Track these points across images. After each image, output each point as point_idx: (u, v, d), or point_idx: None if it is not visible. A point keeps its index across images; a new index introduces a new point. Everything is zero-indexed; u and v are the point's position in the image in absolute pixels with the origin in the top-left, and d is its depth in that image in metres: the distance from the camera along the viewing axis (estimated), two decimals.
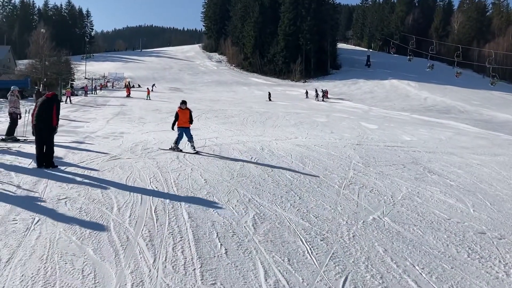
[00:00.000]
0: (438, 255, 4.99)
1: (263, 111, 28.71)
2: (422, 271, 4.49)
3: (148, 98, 40.35)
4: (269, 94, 48.12)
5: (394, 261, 4.71)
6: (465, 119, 33.85)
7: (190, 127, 11.60)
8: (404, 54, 66.04)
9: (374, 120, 27.24)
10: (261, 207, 6.54)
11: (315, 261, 4.62)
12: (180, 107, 11.50)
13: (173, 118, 11.79)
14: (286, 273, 4.26)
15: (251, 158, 10.71)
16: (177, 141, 11.30)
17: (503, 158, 13.08)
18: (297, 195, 7.32)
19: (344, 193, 7.71)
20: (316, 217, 6.16)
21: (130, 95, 43.10)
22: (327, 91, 53.45)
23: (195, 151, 11.09)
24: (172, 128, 11.52)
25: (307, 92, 54.20)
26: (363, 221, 6.11)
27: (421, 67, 57.97)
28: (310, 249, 4.95)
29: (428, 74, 64.42)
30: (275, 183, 8.13)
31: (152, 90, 51.04)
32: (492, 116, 37.99)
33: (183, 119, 11.41)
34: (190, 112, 11.56)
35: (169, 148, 11.31)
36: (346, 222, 6.04)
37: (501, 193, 8.40)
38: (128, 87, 50.74)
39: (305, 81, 75.37)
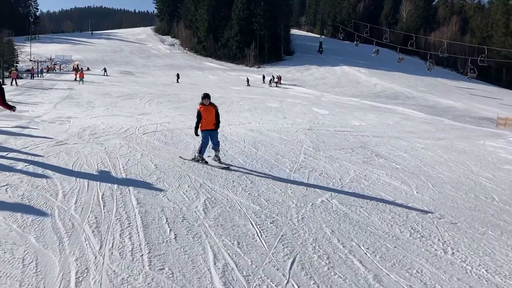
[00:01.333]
0: (382, 235, 5.19)
1: (217, 96, 28.48)
2: (367, 251, 4.65)
3: (81, 81, 37.27)
4: (177, 75, 48.68)
5: (340, 242, 4.85)
6: (411, 105, 35.16)
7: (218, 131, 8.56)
8: (354, 41, 67.52)
9: (325, 105, 27.74)
10: (213, 191, 6.52)
11: (264, 243, 4.68)
12: (202, 104, 8.27)
13: (194, 120, 8.54)
14: (235, 256, 4.29)
15: None
16: (201, 150, 8.35)
17: (445, 142, 13.73)
18: (249, 179, 7.35)
19: (295, 176, 7.83)
20: (266, 201, 6.22)
21: (84, 78, 41.16)
22: (280, 77, 53.76)
23: (223, 165, 8.25)
24: (196, 133, 8.40)
25: (264, 77, 54.37)
26: (312, 204, 6.24)
27: (370, 54, 59.49)
28: (260, 232, 5.00)
29: (377, 61, 66.25)
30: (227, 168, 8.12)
31: (104, 75, 49.30)
32: (437, 102, 39.68)
33: (208, 119, 8.24)
34: (216, 109, 8.38)
35: (192, 159, 8.49)
36: (296, 205, 6.14)
37: (443, 175, 8.83)
38: (77, 70, 48.71)
39: (259, 67, 75.38)
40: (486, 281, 4.14)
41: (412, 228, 5.49)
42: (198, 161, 8.30)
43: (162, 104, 21.97)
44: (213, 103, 8.37)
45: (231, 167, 8.13)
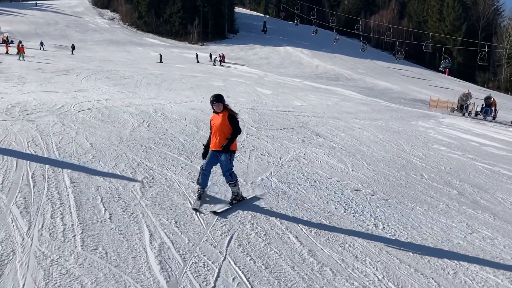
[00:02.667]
0: (318, 211, 5.35)
1: (158, 73, 27.80)
2: (303, 227, 4.78)
3: (22, 57, 31.27)
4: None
5: (278, 219, 4.95)
6: (351, 86, 36.17)
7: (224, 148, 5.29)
8: (301, 23, 67.89)
9: (268, 85, 27.89)
10: (151, 171, 6.40)
11: (202, 222, 4.67)
12: (214, 111, 5.40)
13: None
14: (172, 235, 4.26)
15: (143, 121, 10.35)
16: (198, 179, 5.43)
17: (381, 123, 14.30)
18: (189, 159, 7.28)
19: (236, 155, 7.83)
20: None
21: (9, 52, 38.62)
22: (223, 56, 53.26)
23: (234, 201, 5.35)
24: (204, 157, 5.46)
25: (197, 56, 53.09)
26: (252, 182, 6.30)
27: (310, 35, 60.42)
28: (199, 211, 4.98)
29: (319, 42, 67.26)
30: (166, 147, 7.99)
31: (41, 49, 46.20)
32: (375, 84, 41.07)
33: (216, 134, 5.32)
34: (232, 116, 5.34)
35: (193, 207, 5.12)
36: None
37: (377, 154, 9.20)
38: (7, 42, 45.51)
39: (203, 44, 74.15)
40: (412, 253, 4.39)
41: (346, 205, 5.71)
42: (197, 210, 5.00)
43: (100, 80, 21.09)
44: (230, 107, 5.41)
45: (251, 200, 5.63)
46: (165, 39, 78.11)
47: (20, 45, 35.32)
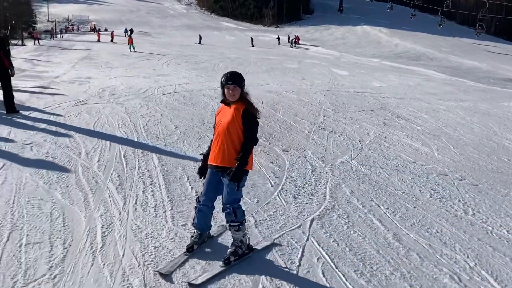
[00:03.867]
0: (402, 195, 5.18)
1: (234, 57, 28.23)
2: (386, 211, 4.66)
3: (132, 48, 29.77)
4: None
5: (360, 202, 4.87)
6: (433, 66, 34.27)
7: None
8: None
9: (345, 66, 27.26)
10: None
11: (283, 201, 4.73)
12: (224, 99, 3.53)
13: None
14: (255, 213, 4.36)
15: None
16: (194, 220, 3.66)
17: (468, 104, 13.44)
18: (267, 140, 7.36)
19: (314, 138, 7.81)
20: (285, 162, 6.24)
21: (100, 40, 41.15)
22: (298, 37, 52.76)
23: (231, 258, 3.42)
24: (201, 173, 3.70)
25: (279, 38, 53.43)
26: (331, 165, 6.24)
27: (400, 14, 57.77)
28: (280, 191, 5.05)
29: (397, 20, 64.19)
30: None
31: (125, 36, 46.76)
32: (460, 63, 38.57)
33: (221, 140, 3.43)
34: (250, 113, 3.42)
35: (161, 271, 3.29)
36: (314, 165, 6.15)
37: (464, 137, 8.69)
38: (99, 31, 48.56)
39: (278, 27, 73.95)
40: (507, 241, 4.13)
41: (432, 189, 5.47)
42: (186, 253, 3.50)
43: (180, 65, 21.85)
44: (250, 99, 3.54)
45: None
46: (240, 23, 78.92)
47: (129, 36, 33.22)
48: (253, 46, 45.05)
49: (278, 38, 53.13)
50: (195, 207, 3.61)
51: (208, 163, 3.49)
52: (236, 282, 3.16)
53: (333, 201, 4.85)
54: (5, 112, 8.31)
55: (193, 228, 3.65)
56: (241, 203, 3.46)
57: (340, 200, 4.90)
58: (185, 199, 4.64)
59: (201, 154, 3.71)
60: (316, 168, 6.01)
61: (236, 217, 3.36)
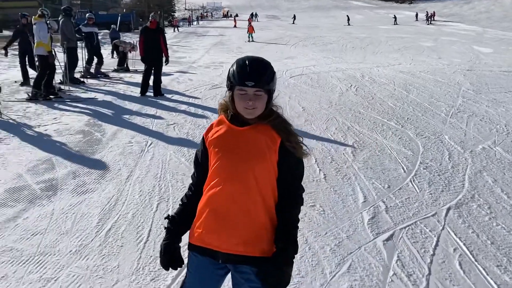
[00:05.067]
0: None
1: (363, 37, 27.33)
2: None
3: (251, 37, 27.59)
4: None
5: (504, 192, 4.43)
6: None
7: None
8: None
9: (489, 43, 24.62)
10: (361, 135, 6.44)
11: (416, 188, 4.52)
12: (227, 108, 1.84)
13: None
14: (386, 199, 4.23)
15: (351, 86, 10.41)
16: None
17: None
18: (399, 124, 7.06)
19: (451, 121, 7.26)
20: (419, 146, 5.93)
21: (237, 26, 42.85)
22: (434, 13, 48.96)
23: None
24: (169, 263, 1.87)
25: (417, 15, 50.54)
26: (471, 151, 5.75)
27: None
28: (413, 177, 4.83)
29: None
30: (375, 111, 7.89)
31: (254, 20, 45.52)
32: None
33: (234, 198, 1.70)
34: (292, 152, 1.78)
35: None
36: (451, 151, 5.73)
37: None
38: (235, 17, 51.06)
39: (411, 3, 69.47)
40: None
41: None
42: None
43: (307, 47, 21.90)
44: (282, 114, 1.83)
45: None
46: (370, 0, 75.86)
47: (249, 24, 29.48)
48: (349, 24, 43.75)
49: (417, 14, 50.23)
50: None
51: (199, 244, 1.78)
52: (366, 266, 3.14)
53: (473, 189, 4.49)
54: (152, 94, 9.26)
55: None
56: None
57: (481, 189, 4.51)
58: (313, 180, 4.69)
59: (167, 217, 1.89)
60: (454, 154, 5.60)
61: None
